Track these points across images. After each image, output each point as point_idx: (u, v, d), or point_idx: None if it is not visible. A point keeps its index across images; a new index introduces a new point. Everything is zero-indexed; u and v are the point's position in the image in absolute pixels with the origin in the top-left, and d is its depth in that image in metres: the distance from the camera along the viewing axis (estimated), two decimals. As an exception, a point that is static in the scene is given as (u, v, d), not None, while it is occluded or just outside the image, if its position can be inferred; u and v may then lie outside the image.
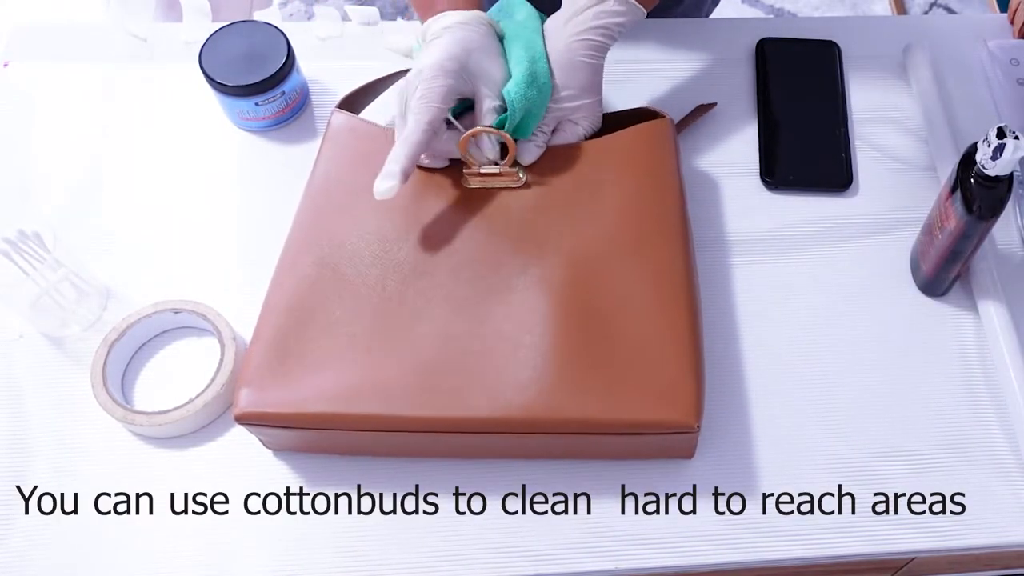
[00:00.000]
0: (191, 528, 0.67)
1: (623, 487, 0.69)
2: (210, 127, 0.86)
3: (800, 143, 0.86)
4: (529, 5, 0.79)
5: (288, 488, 0.69)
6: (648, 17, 0.77)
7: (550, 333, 0.66)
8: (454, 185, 0.75)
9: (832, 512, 0.69)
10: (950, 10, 2.11)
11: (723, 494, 0.69)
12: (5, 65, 0.89)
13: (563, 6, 0.76)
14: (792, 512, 0.69)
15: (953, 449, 0.71)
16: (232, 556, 0.66)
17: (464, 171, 0.74)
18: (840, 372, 0.74)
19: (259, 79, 0.81)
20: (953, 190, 0.69)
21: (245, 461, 0.70)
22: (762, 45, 0.92)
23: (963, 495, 0.70)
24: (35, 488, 0.68)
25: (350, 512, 0.68)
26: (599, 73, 0.76)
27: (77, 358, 0.73)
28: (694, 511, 0.68)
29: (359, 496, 0.68)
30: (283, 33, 0.84)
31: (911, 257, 0.79)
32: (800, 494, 0.69)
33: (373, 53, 0.91)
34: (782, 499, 0.69)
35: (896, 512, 0.69)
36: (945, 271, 0.75)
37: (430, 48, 0.72)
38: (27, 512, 0.67)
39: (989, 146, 0.65)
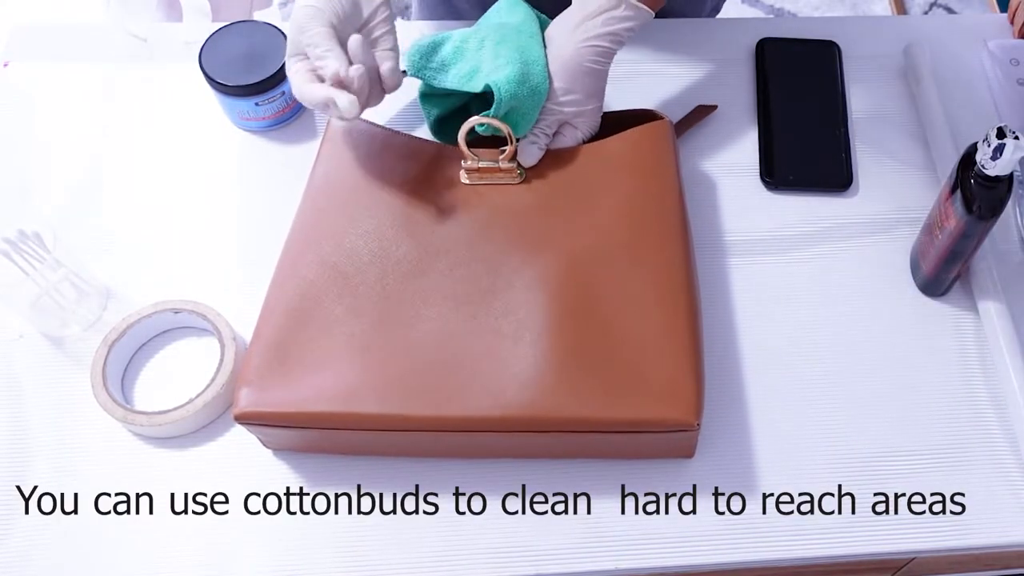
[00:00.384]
0: (191, 528, 0.67)
1: (623, 487, 0.69)
2: (210, 127, 0.86)
3: (800, 143, 0.86)
4: (528, 7, 0.79)
5: (288, 488, 0.69)
6: None
7: (549, 331, 0.66)
8: (453, 184, 0.75)
9: (832, 512, 0.69)
10: (950, 10, 2.11)
11: (723, 494, 0.69)
12: (5, 65, 0.89)
13: (571, 10, 0.76)
14: (792, 512, 0.69)
15: (953, 449, 0.71)
16: (232, 556, 0.66)
17: (464, 164, 0.74)
18: (840, 372, 0.74)
19: (259, 79, 0.81)
20: (953, 190, 0.69)
21: (245, 461, 0.70)
22: (762, 45, 0.92)
23: (963, 495, 0.70)
24: (35, 488, 0.68)
25: (350, 512, 0.68)
26: (603, 79, 0.76)
27: (77, 358, 0.73)
28: (694, 511, 0.68)
29: (359, 496, 0.68)
30: (283, 33, 0.84)
31: (911, 257, 0.79)
32: (800, 494, 0.69)
33: (373, 53, 0.91)
34: (782, 499, 0.69)
35: (896, 512, 0.69)
36: (945, 271, 0.75)
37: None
38: (27, 512, 0.67)
39: (989, 146, 0.65)
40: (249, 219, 0.81)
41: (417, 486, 0.69)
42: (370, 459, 0.69)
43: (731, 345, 0.75)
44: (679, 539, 0.67)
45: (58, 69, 0.89)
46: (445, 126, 0.80)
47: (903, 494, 0.69)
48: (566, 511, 0.68)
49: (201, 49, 0.82)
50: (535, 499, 0.68)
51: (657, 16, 0.77)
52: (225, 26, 0.85)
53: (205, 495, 0.68)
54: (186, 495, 0.68)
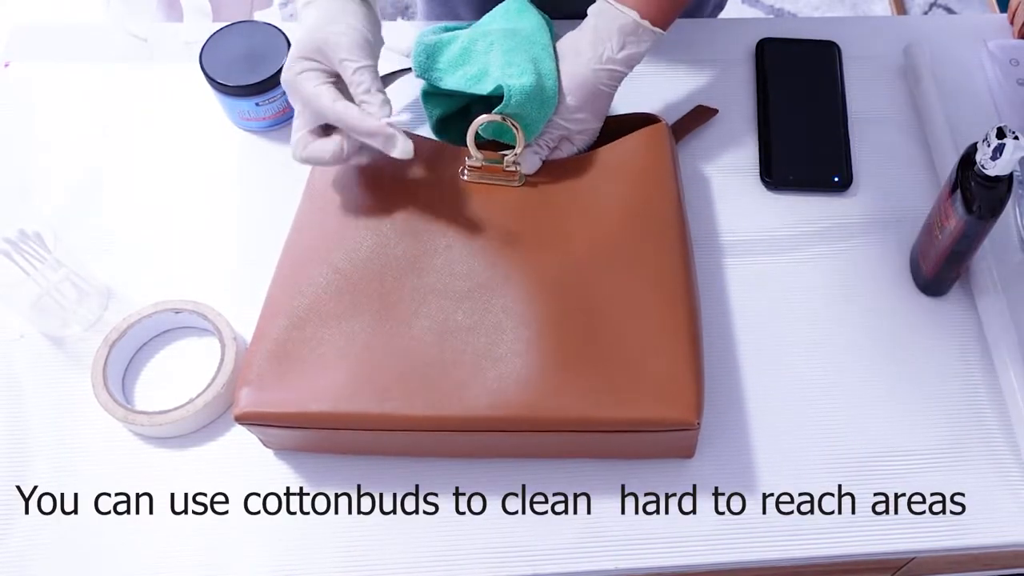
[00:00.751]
0: (191, 528, 0.67)
1: (623, 487, 0.69)
2: (210, 127, 0.86)
3: (800, 143, 0.86)
4: (538, 15, 0.78)
5: (288, 488, 0.69)
6: None
7: (549, 330, 0.66)
8: (453, 182, 0.75)
9: (832, 512, 0.69)
10: (950, 10, 2.11)
11: (723, 494, 0.69)
12: (5, 65, 0.89)
13: (586, 28, 0.75)
14: (792, 512, 0.69)
15: (953, 449, 0.71)
16: (232, 556, 0.66)
17: (467, 162, 0.74)
18: (840, 372, 0.74)
19: (259, 79, 0.81)
20: (953, 190, 0.69)
21: (245, 461, 0.70)
22: (762, 45, 0.92)
23: (963, 495, 0.70)
24: (35, 488, 0.68)
25: (350, 512, 0.68)
26: (610, 101, 0.77)
27: (77, 358, 0.73)
28: (694, 511, 0.68)
29: (359, 496, 0.68)
30: (283, 33, 0.84)
31: (911, 257, 0.79)
32: (800, 494, 0.69)
33: (373, 53, 0.91)
34: (782, 499, 0.69)
35: (896, 512, 0.69)
36: (945, 271, 0.75)
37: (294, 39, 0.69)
38: (27, 512, 0.67)
39: (989, 146, 0.65)
40: (249, 219, 0.81)
41: (417, 486, 0.69)
42: (370, 459, 0.69)
43: (731, 345, 0.75)
44: (679, 539, 0.67)
45: (58, 69, 0.89)
46: (447, 126, 0.80)
47: (903, 494, 0.69)
48: (565, 511, 0.68)
49: (201, 49, 0.82)
50: (534, 499, 0.68)
51: None
52: (225, 26, 0.85)
53: (205, 495, 0.68)
54: (186, 495, 0.68)
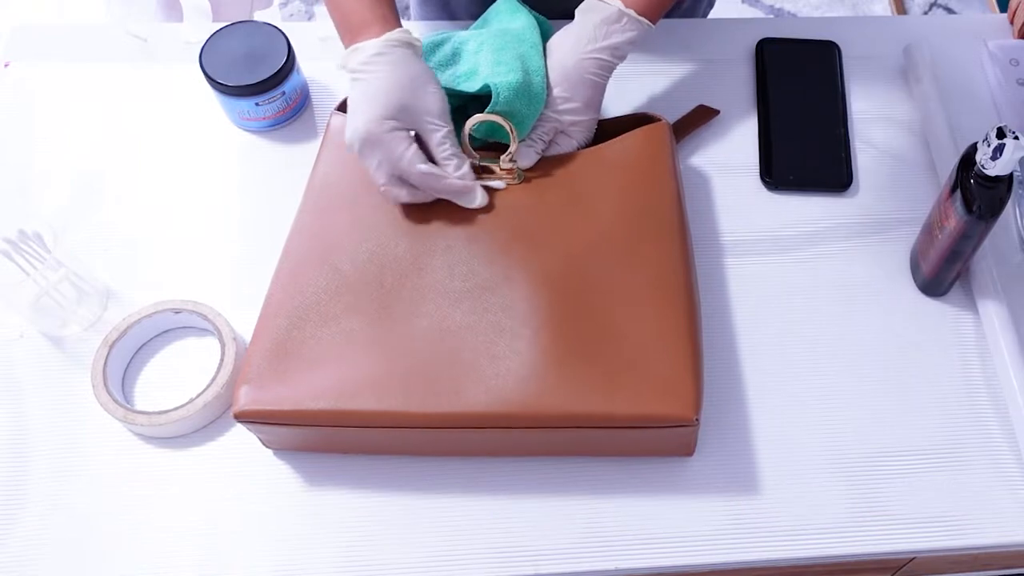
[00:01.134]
0: (191, 528, 0.67)
1: (623, 487, 0.69)
2: (210, 127, 0.86)
3: (800, 143, 0.86)
4: (528, 14, 0.79)
5: (288, 488, 0.69)
6: None
7: (548, 328, 0.66)
8: (453, 184, 0.75)
9: (832, 512, 0.69)
10: (950, 10, 2.11)
11: (723, 494, 0.69)
12: (5, 65, 0.89)
13: (575, 22, 0.76)
14: (792, 512, 0.69)
15: (953, 449, 0.71)
16: (232, 556, 0.66)
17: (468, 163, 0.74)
18: (840, 372, 0.74)
19: (259, 79, 0.81)
20: (953, 190, 0.69)
21: (245, 461, 0.70)
22: (762, 45, 0.92)
23: (963, 495, 0.70)
24: (35, 488, 0.68)
25: (350, 512, 0.68)
26: (602, 92, 0.77)
27: (77, 358, 0.73)
28: (694, 511, 0.68)
29: (359, 496, 0.68)
30: (283, 33, 0.84)
31: (911, 257, 0.79)
32: (799, 494, 0.69)
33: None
34: (782, 499, 0.69)
35: (896, 512, 0.69)
36: (945, 271, 0.75)
37: (357, 101, 0.70)
38: (27, 512, 0.67)
39: (989, 146, 0.65)
40: (249, 219, 0.81)
41: (417, 485, 0.69)
42: (370, 458, 0.69)
43: (731, 345, 0.75)
44: (679, 539, 0.67)
45: (58, 69, 0.89)
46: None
47: (903, 494, 0.69)
48: (566, 511, 0.68)
49: (201, 49, 0.82)
50: (535, 499, 0.68)
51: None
52: (225, 26, 0.85)
53: (205, 495, 0.68)
54: (186, 495, 0.68)
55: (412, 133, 0.71)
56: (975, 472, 0.70)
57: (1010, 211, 0.82)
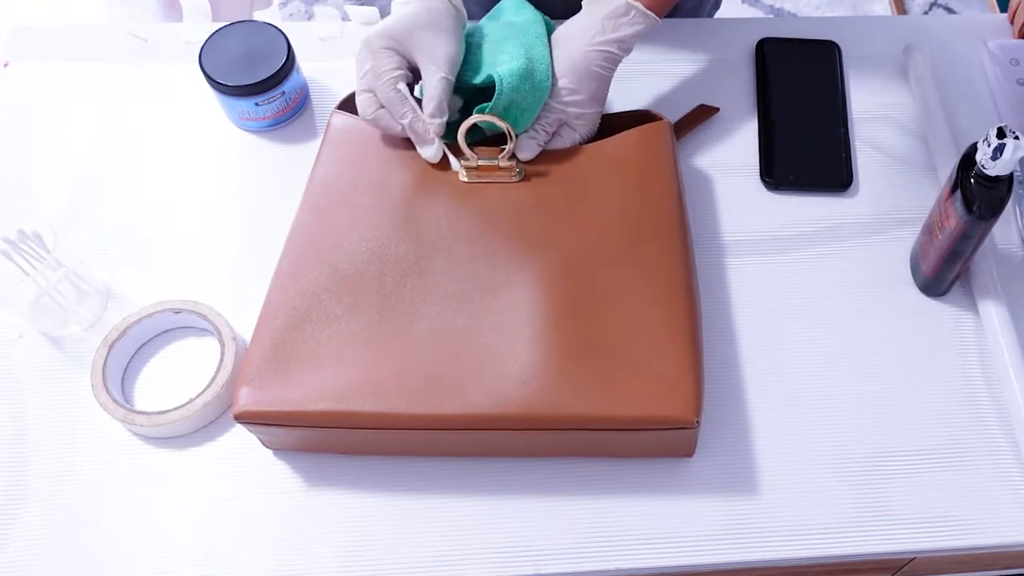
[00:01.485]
0: (191, 528, 0.67)
1: (623, 487, 0.69)
2: (210, 127, 0.86)
3: (800, 143, 0.86)
4: (533, 9, 0.79)
5: (288, 488, 0.69)
6: None
7: (549, 329, 0.66)
8: (452, 182, 0.75)
9: (832, 512, 0.69)
10: (950, 10, 2.11)
11: (723, 494, 0.69)
12: (5, 65, 0.89)
13: (581, 14, 0.77)
14: (792, 512, 0.69)
15: (953, 449, 0.71)
16: (232, 556, 0.66)
17: (462, 163, 0.74)
18: (840, 372, 0.74)
19: (259, 79, 0.81)
20: (953, 190, 0.69)
21: (245, 461, 0.70)
22: (762, 45, 0.92)
23: (963, 495, 0.70)
24: (35, 488, 0.68)
25: (350, 512, 0.68)
26: (607, 85, 0.77)
27: (77, 358, 0.73)
28: (694, 511, 0.68)
29: (359, 496, 0.68)
30: (283, 33, 0.84)
31: (911, 257, 0.79)
32: (800, 494, 0.69)
33: (373, 53, 0.91)
34: (782, 499, 0.69)
35: (896, 512, 0.69)
36: (945, 271, 0.75)
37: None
38: (27, 512, 0.67)
39: (989, 146, 0.65)
40: (249, 219, 0.81)
41: (417, 485, 0.69)
42: (370, 459, 0.69)
43: (731, 345, 0.75)
44: (679, 539, 0.67)
45: (58, 69, 0.89)
46: (448, 127, 0.80)
47: (903, 494, 0.69)
48: (566, 511, 0.68)
49: (201, 49, 0.82)
50: (535, 499, 0.68)
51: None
52: (225, 26, 0.85)
53: (205, 495, 0.68)
54: (186, 495, 0.68)
55: (405, 64, 0.74)
56: (975, 472, 0.70)
57: (1010, 211, 0.82)
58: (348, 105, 0.80)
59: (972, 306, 0.78)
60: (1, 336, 0.75)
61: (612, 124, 0.79)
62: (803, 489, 0.69)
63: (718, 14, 1.11)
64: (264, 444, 0.70)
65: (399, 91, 0.73)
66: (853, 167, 0.85)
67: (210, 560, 0.66)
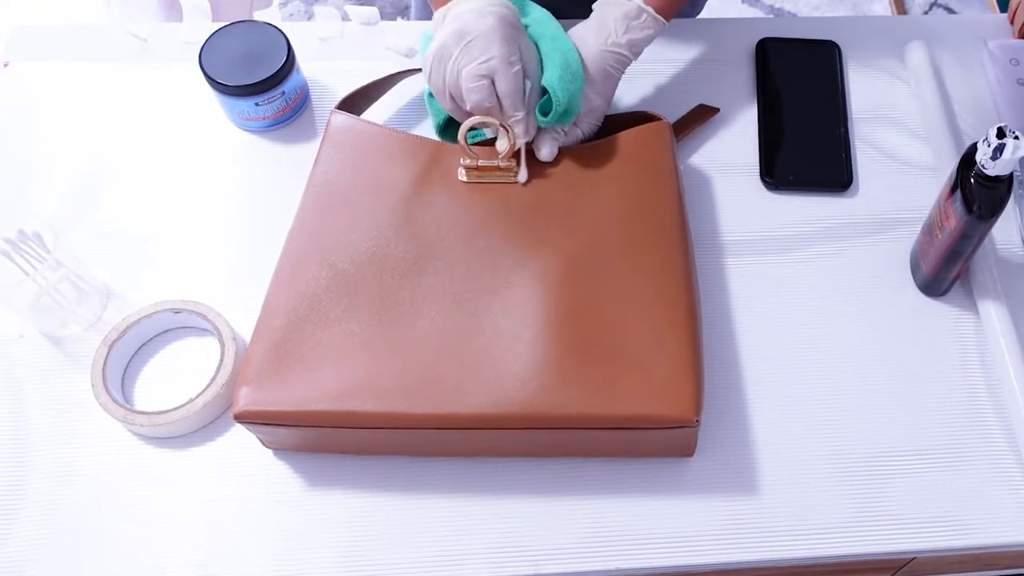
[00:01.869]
0: (191, 528, 0.67)
1: (623, 487, 0.69)
2: (210, 127, 0.86)
3: (800, 143, 0.86)
4: (539, 7, 0.79)
5: (288, 488, 0.69)
6: None
7: (548, 329, 0.66)
8: (452, 182, 0.75)
9: (832, 512, 0.69)
10: (950, 10, 2.11)
11: (723, 494, 0.69)
12: (5, 65, 0.89)
13: (594, 16, 0.77)
14: (792, 512, 0.69)
15: (953, 449, 0.71)
16: (232, 556, 0.66)
17: (463, 163, 0.74)
18: (840, 372, 0.74)
19: (259, 79, 0.81)
20: (953, 190, 0.69)
21: (245, 461, 0.70)
22: (762, 45, 0.92)
23: (963, 495, 0.70)
24: (35, 488, 0.68)
25: (350, 512, 0.68)
26: (616, 85, 0.78)
27: (77, 358, 0.73)
28: (694, 511, 0.68)
29: (359, 496, 0.68)
30: (283, 33, 0.84)
31: (911, 257, 0.79)
32: (800, 494, 0.69)
33: (373, 53, 0.91)
34: (782, 499, 0.69)
35: (896, 512, 0.69)
36: (945, 271, 0.75)
37: (460, 21, 0.71)
38: (27, 512, 0.67)
39: (989, 146, 0.65)
40: (249, 219, 0.81)
41: (417, 485, 0.69)
42: (370, 459, 0.69)
43: (731, 345, 0.75)
44: (679, 539, 0.67)
45: (58, 69, 0.89)
46: (451, 126, 0.80)
47: (903, 494, 0.69)
48: (566, 511, 0.68)
49: (201, 49, 0.82)
50: (535, 499, 0.68)
51: None
52: (225, 26, 0.84)
53: (205, 495, 0.68)
54: (186, 495, 0.68)
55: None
56: (975, 472, 0.70)
57: (1010, 211, 0.82)
58: (348, 104, 0.80)
59: (972, 306, 0.78)
60: (1, 336, 0.75)
61: (612, 124, 0.79)
62: (803, 489, 0.69)
63: (714, 13, 1.11)
64: (264, 444, 0.70)
65: (523, 86, 0.72)
66: (853, 167, 0.85)
67: (210, 560, 0.66)
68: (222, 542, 0.67)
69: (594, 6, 0.77)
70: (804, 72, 0.90)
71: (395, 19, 1.95)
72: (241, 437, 0.70)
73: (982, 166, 0.66)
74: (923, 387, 0.74)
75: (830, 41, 0.92)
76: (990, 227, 0.70)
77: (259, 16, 0.87)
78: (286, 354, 0.66)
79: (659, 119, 0.78)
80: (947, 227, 0.71)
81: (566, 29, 0.77)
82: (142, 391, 0.73)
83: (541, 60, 0.75)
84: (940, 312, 0.78)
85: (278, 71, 0.81)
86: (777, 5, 2.10)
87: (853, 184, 0.84)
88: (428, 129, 0.82)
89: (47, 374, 0.73)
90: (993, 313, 0.75)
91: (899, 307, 0.78)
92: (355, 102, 0.81)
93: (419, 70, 0.83)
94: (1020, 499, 0.70)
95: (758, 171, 0.85)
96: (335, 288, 0.69)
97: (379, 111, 0.83)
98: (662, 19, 0.76)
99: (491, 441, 0.67)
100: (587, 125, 0.78)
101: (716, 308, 0.77)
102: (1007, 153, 0.64)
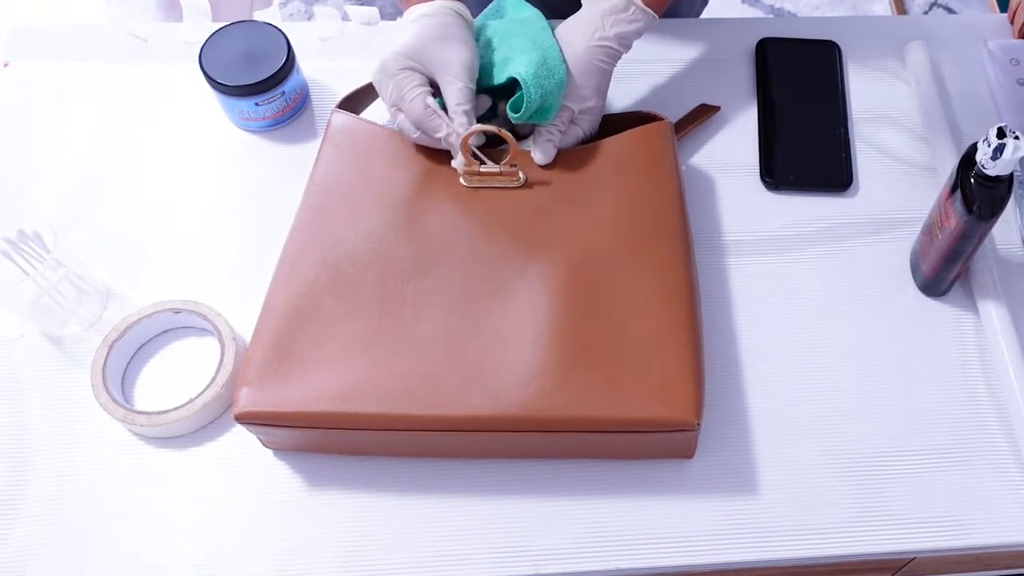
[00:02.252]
0: (191, 528, 0.67)
1: (623, 487, 0.69)
2: (210, 127, 0.86)
3: (800, 143, 0.86)
4: (531, 6, 0.80)
5: (288, 488, 0.69)
6: None
7: (549, 331, 0.66)
8: (453, 184, 0.75)
9: (832, 512, 0.69)
10: (950, 10, 2.11)
11: (723, 494, 0.69)
12: (5, 65, 0.89)
13: (582, 11, 0.77)
14: (792, 512, 0.69)
15: (953, 449, 0.71)
16: (232, 556, 0.66)
17: (464, 169, 0.74)
18: (840, 372, 0.74)
19: (259, 79, 0.81)
20: (953, 190, 0.69)
21: (245, 461, 0.70)
22: (762, 45, 0.92)
23: (963, 495, 0.70)
24: (35, 488, 0.68)
25: (350, 512, 0.68)
26: (608, 79, 0.77)
27: (77, 358, 0.73)
28: (694, 511, 0.68)
29: (359, 496, 0.68)
30: (283, 33, 0.84)
31: (911, 257, 0.79)
32: (800, 494, 0.69)
33: (373, 53, 0.90)
34: (782, 499, 0.69)
35: (896, 512, 0.69)
36: (945, 271, 0.75)
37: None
38: (27, 512, 0.67)
39: (989, 146, 0.65)
40: (249, 219, 0.81)
41: (417, 485, 0.69)
42: (370, 459, 0.69)
43: (731, 345, 0.75)
44: (679, 539, 0.67)
45: (58, 69, 0.89)
46: None
47: (903, 494, 0.69)
48: (566, 511, 0.68)
49: (201, 49, 0.82)
50: (535, 499, 0.68)
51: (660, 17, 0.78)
52: (225, 26, 0.85)
53: (205, 495, 0.68)
54: (186, 495, 0.68)
55: (426, 80, 0.74)
56: (975, 472, 0.70)
57: (1010, 211, 0.82)
58: (348, 104, 0.80)
59: (972, 306, 0.78)
60: (1, 336, 0.75)
61: (613, 124, 0.79)
62: (802, 489, 0.69)
63: (714, 13, 1.11)
64: (264, 444, 0.70)
65: (428, 107, 0.73)
66: (853, 167, 0.85)
67: (210, 560, 0.66)
68: (222, 542, 0.67)
69: (584, 0, 0.77)
70: (804, 72, 0.90)
71: (395, 19, 1.95)
72: (241, 437, 0.70)
73: (982, 166, 0.66)
74: (923, 387, 0.74)
75: (830, 41, 0.92)
76: (990, 227, 0.70)
77: (259, 16, 0.88)
78: (286, 355, 0.66)
79: (661, 119, 0.78)
80: (947, 227, 0.71)
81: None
82: (142, 391, 0.73)
83: (507, 59, 0.75)
84: (940, 312, 0.78)
85: (278, 71, 0.81)
86: (777, 5, 2.10)
87: (853, 184, 0.84)
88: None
89: (47, 374, 0.73)
90: (993, 313, 0.75)
91: (899, 307, 0.78)
92: (355, 102, 0.81)
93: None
94: (1020, 499, 0.70)
95: (758, 171, 0.85)
96: (336, 289, 0.69)
97: (379, 111, 0.83)
98: (651, 12, 0.76)
99: (492, 443, 0.67)
100: (586, 124, 0.77)
101: (716, 308, 0.77)
102: (1007, 153, 0.64)
